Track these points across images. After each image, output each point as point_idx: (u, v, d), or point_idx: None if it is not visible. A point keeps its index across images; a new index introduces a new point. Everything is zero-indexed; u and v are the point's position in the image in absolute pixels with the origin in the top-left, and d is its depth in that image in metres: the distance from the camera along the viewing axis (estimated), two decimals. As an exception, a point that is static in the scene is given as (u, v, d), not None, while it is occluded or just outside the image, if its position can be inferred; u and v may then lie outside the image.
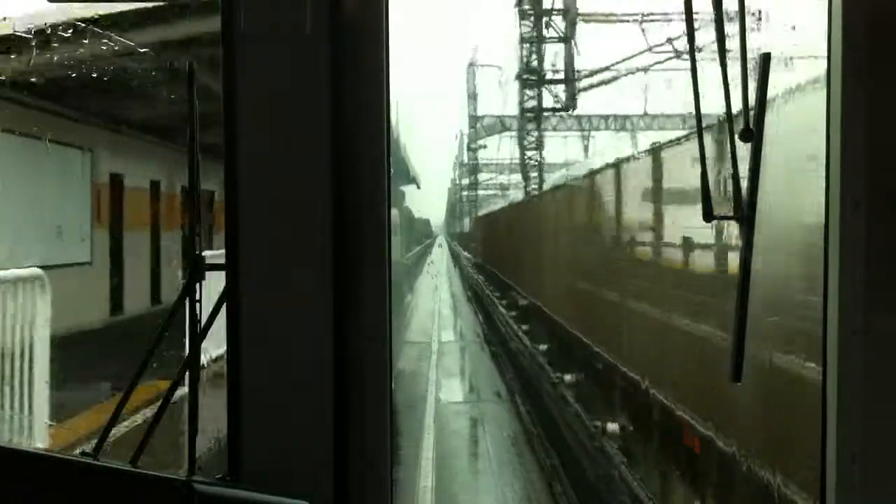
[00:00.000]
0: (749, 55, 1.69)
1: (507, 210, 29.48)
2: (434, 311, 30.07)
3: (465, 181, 47.92)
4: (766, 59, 1.69)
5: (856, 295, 1.69)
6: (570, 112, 30.91)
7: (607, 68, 28.44)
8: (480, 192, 46.71)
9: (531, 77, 30.57)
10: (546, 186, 29.99)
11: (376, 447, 1.76)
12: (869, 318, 1.69)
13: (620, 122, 32.62)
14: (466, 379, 19.19)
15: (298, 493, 1.63)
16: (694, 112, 1.77)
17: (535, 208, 21.35)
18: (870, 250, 1.69)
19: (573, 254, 14.15)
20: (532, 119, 31.34)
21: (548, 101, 30.97)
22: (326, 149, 1.71)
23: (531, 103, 31.22)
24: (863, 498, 1.70)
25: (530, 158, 32.01)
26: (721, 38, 1.68)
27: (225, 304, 1.76)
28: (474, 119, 39.46)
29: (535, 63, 30.05)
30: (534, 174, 31.91)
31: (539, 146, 31.88)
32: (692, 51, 1.73)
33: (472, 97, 39.92)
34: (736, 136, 1.67)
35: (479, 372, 19.31)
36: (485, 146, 41.02)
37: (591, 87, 29.37)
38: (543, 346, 15.78)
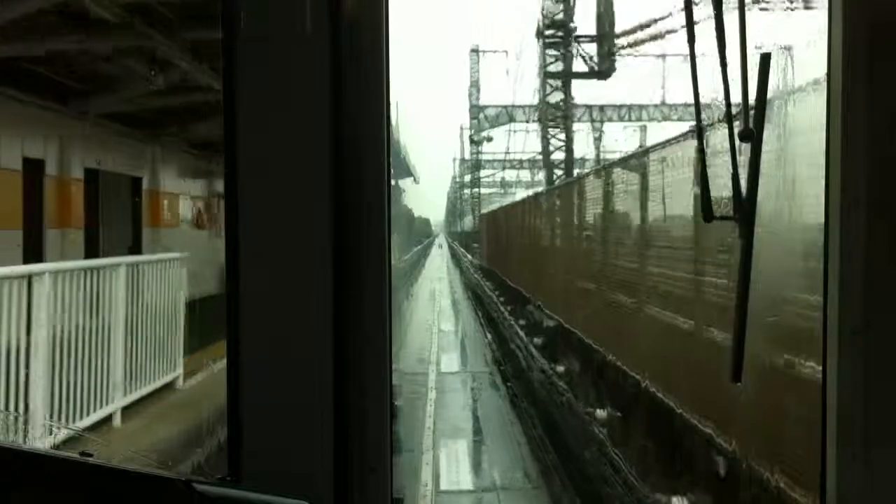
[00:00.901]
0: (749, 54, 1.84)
1: (522, 205, 24.87)
2: (432, 326, 25.73)
3: (467, 177, 47.76)
4: (765, 58, 1.84)
5: (856, 295, 1.83)
6: (606, 78, 25.80)
7: (652, 23, 24.00)
8: (483, 190, 46.48)
9: (557, 33, 26.06)
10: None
11: (376, 447, 1.90)
12: (869, 317, 1.83)
13: (637, 113, 31.87)
14: (478, 442, 13.46)
15: (298, 494, 1.77)
16: (694, 112, 1.93)
17: (563, 200, 16.62)
18: (870, 250, 1.83)
19: (643, 263, 9.86)
20: (558, 88, 26.82)
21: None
22: (326, 149, 1.86)
23: (557, 68, 26.35)
24: (863, 498, 1.84)
25: (553, 136, 27.94)
26: (721, 37, 1.83)
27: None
28: (477, 109, 38.97)
29: (561, 16, 25.68)
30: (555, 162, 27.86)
31: (566, 121, 27.49)
32: (692, 51, 1.88)
33: (475, 85, 39.49)
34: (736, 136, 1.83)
35: (494, 429, 13.94)
36: (489, 138, 40.43)
37: (636, 43, 24.46)
38: (601, 413, 10.68)
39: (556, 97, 27.73)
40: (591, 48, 26.08)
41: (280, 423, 1.86)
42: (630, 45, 24.78)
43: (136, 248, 16.48)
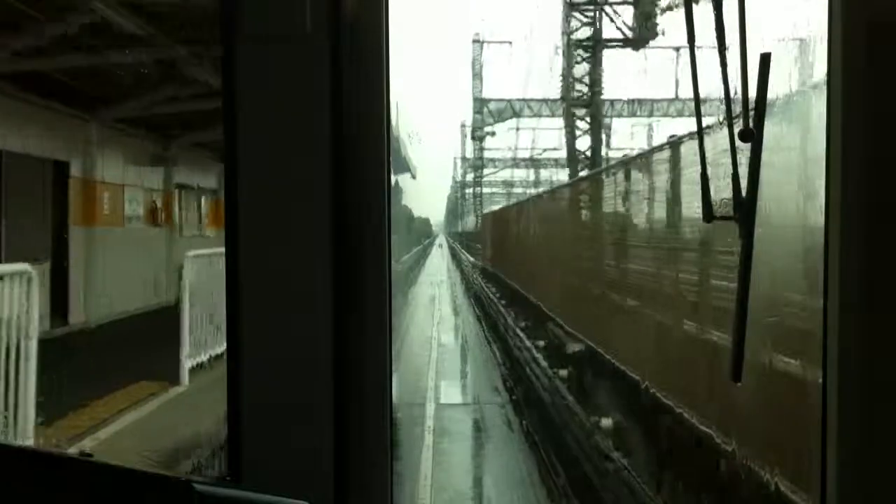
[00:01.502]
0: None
1: (539, 201, 21.76)
2: (431, 341, 22.52)
3: (469, 176, 47.66)
4: (765, 59, 1.92)
5: (856, 294, 1.92)
6: (642, 47, 22.35)
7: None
8: (485, 189, 46.33)
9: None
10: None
11: (376, 447, 1.99)
12: (869, 317, 1.92)
13: (647, 108, 31.31)
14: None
15: (298, 493, 1.86)
16: (694, 112, 2.02)
17: (594, 193, 13.51)
18: (870, 249, 1.91)
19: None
20: (585, 58, 23.51)
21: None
22: (326, 148, 1.95)
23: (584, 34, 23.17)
24: (863, 498, 1.93)
25: (581, 118, 24.65)
26: (721, 37, 1.92)
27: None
28: (480, 102, 38.69)
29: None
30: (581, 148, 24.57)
31: (594, 97, 23.93)
32: (692, 50, 1.97)
33: (478, 77, 39.18)
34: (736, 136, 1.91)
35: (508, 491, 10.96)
36: (492, 133, 39.99)
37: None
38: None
39: (582, 69, 24.16)
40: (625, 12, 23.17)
41: (280, 423, 1.95)
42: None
43: (59, 253, 13.85)
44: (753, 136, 1.90)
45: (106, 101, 14.37)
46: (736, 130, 1.93)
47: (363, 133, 1.98)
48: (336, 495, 1.94)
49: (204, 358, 11.61)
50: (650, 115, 30.20)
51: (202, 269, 11.71)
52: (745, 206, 1.92)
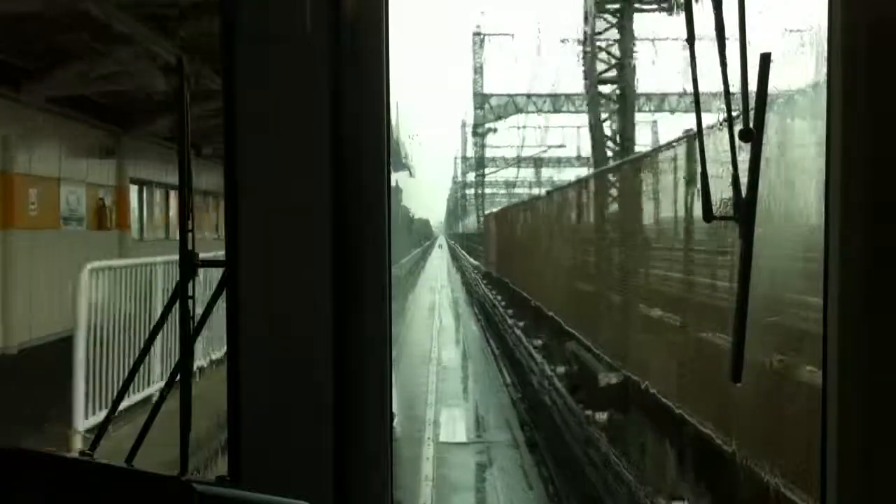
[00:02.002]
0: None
1: (553, 199, 19.54)
2: (430, 356, 20.48)
3: (470, 176, 47.54)
4: (765, 58, 1.97)
5: (856, 295, 1.97)
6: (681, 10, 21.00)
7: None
8: (487, 189, 46.18)
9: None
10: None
11: (376, 447, 2.04)
12: (869, 318, 1.96)
13: (656, 103, 30.41)
14: None
15: (298, 493, 1.91)
16: (694, 112, 2.07)
17: (628, 184, 11.51)
18: (870, 250, 1.96)
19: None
20: (613, 25, 20.89)
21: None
22: (326, 148, 2.00)
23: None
24: (863, 498, 1.97)
25: (606, 98, 21.70)
26: (721, 37, 1.97)
27: (221, 304, 2.05)
28: (481, 98, 38.34)
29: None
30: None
31: (622, 71, 21.03)
32: (692, 50, 2.01)
33: (479, 72, 38.87)
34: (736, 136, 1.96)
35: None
36: (494, 130, 39.55)
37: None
38: None
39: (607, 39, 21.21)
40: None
41: (280, 423, 2.00)
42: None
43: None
44: (753, 135, 1.95)
45: (35, 76, 11.80)
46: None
47: (363, 133, 2.03)
48: (336, 495, 1.99)
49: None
50: (657, 110, 29.19)
51: (112, 286, 9.05)
52: (745, 206, 1.96)
